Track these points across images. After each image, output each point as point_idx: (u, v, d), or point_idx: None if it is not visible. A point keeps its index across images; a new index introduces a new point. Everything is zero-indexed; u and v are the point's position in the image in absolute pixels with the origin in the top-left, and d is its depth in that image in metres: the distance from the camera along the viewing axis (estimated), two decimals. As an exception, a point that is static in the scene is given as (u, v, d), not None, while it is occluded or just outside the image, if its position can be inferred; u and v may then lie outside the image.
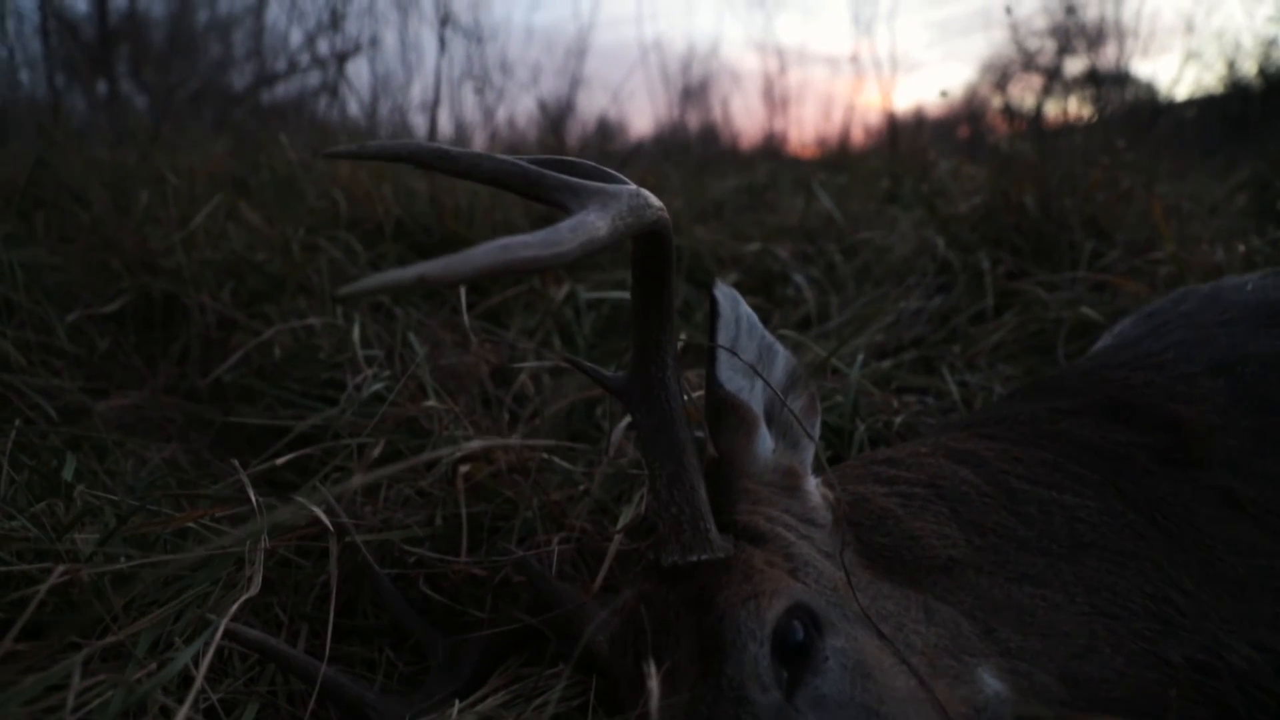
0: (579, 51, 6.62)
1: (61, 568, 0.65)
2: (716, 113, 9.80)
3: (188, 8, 8.77)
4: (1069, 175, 1.70)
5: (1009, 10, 4.33)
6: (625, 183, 0.65)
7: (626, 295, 1.61)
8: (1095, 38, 11.59)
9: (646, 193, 0.61)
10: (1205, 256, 1.40)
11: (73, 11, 9.19)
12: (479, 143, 7.56)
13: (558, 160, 0.68)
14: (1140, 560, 0.63)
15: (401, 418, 1.04)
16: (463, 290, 1.35)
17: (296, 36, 6.75)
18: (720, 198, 3.02)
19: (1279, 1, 8.81)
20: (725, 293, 0.73)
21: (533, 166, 0.58)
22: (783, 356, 0.74)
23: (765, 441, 0.69)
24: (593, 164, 0.68)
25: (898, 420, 0.99)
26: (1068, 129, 1.80)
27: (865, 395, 1.03)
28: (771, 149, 8.32)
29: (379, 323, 1.52)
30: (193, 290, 1.47)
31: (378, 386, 1.06)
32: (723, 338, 0.71)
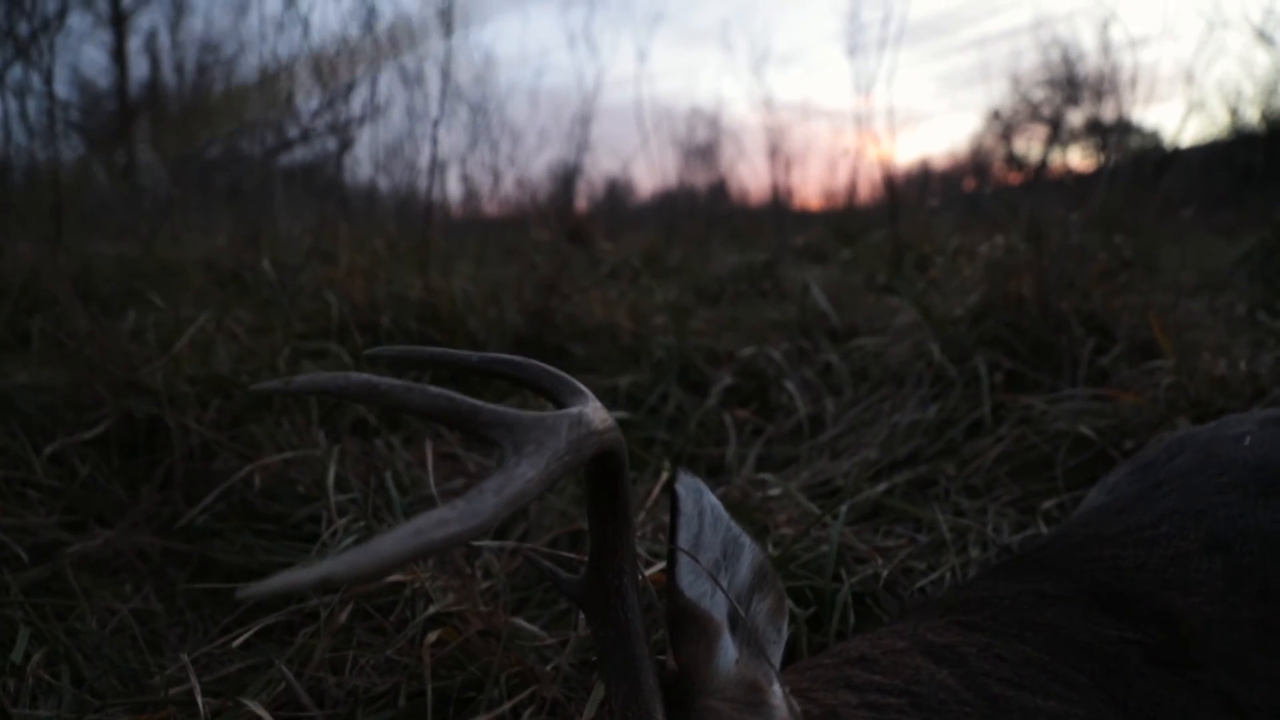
0: (584, 119, 6.74)
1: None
2: (724, 171, 9.89)
3: (205, 78, 9.00)
4: (1066, 273, 1.67)
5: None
6: (577, 393, 0.63)
7: (622, 414, 1.58)
8: (1096, 89, 11.67)
9: (592, 414, 0.58)
10: (1208, 367, 1.36)
11: (94, 86, 9.45)
12: (488, 205, 7.65)
13: (505, 361, 0.66)
14: (1132, 784, 0.59)
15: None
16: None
17: (310, 104, 6.90)
18: (721, 275, 3.01)
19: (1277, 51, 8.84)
20: (687, 485, 0.70)
21: (466, 402, 0.55)
22: (749, 552, 0.70)
23: (728, 652, 0.65)
24: (542, 368, 0.66)
25: (884, 574, 0.95)
26: (1063, 220, 1.77)
27: (850, 549, 0.99)
28: (779, 205, 8.37)
29: (363, 443, 1.50)
30: (176, 412, 1.46)
31: (349, 540, 1.03)
32: (684, 537, 0.67)
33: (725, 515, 0.71)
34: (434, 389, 0.56)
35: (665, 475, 1.21)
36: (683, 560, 0.66)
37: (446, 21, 2.85)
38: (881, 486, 1.26)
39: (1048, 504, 1.16)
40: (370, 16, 3.87)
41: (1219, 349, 1.52)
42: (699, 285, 2.90)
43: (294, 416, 1.56)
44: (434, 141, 2.19)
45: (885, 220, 3.27)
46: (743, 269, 2.93)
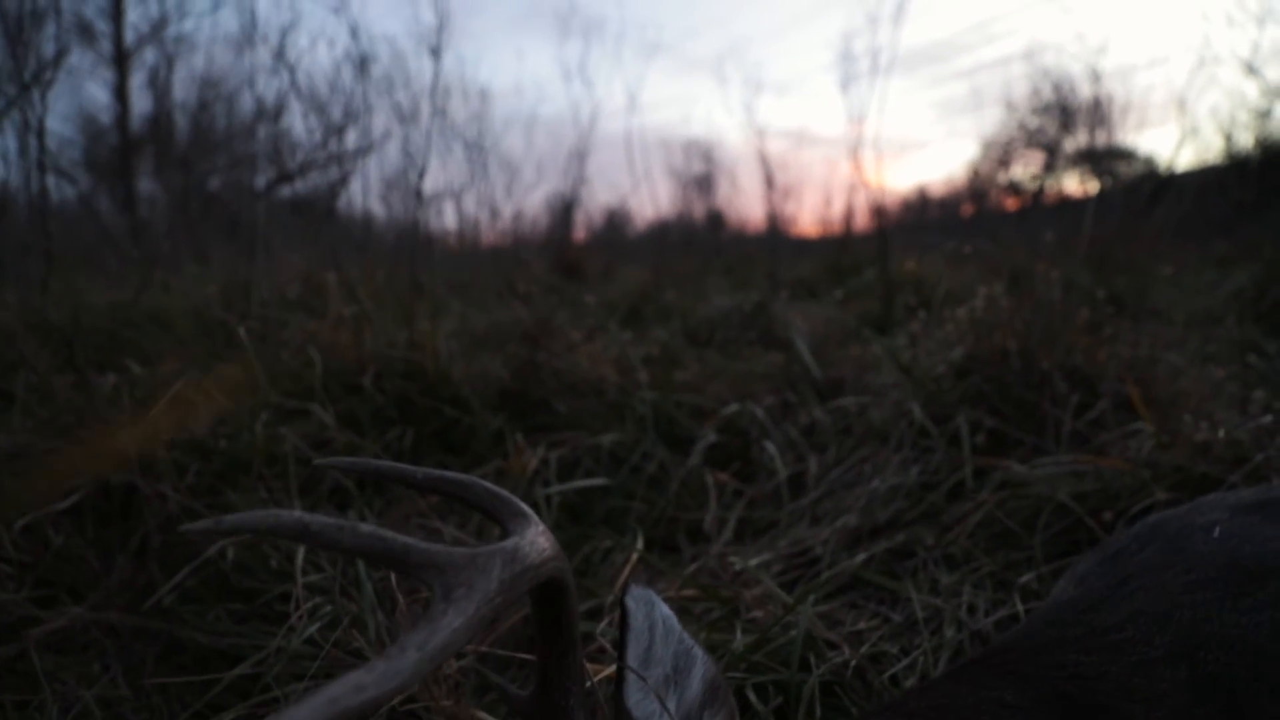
0: (580, 154, 6.80)
1: None
2: (720, 202, 9.94)
3: (208, 111, 9.09)
4: (1049, 327, 1.66)
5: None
6: (519, 516, 0.62)
7: (601, 480, 1.57)
8: (1091, 116, 11.75)
9: (529, 545, 0.57)
10: (1189, 431, 1.35)
11: (97, 120, 9.55)
12: (487, 235, 7.67)
13: (449, 480, 0.65)
14: None
15: (340, 658, 1.00)
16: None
17: (311, 137, 6.96)
18: (713, 317, 3.01)
19: (1269, 77, 8.91)
20: (638, 598, 0.69)
21: (397, 542, 0.54)
22: (701, 664, 0.69)
23: (676, 776, 0.64)
24: (485, 488, 0.65)
25: (852, 663, 0.93)
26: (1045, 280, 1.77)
27: (820, 636, 0.97)
28: (775, 235, 8.41)
29: (339, 513, 1.49)
30: (151, 480, 1.45)
31: (315, 628, 1.02)
32: (633, 653, 0.66)
33: (677, 627, 0.69)
34: (365, 528, 0.55)
35: (639, 549, 1.20)
36: (631, 679, 0.65)
37: (434, 53, 2.85)
38: (860, 557, 1.25)
39: (1025, 577, 1.15)
40: (363, 61, 3.92)
41: (1202, 409, 1.51)
42: (690, 328, 2.90)
43: (272, 483, 1.55)
44: (418, 194, 2.19)
45: (878, 255, 3.27)
46: (734, 311, 2.92)
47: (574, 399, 1.90)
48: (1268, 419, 1.30)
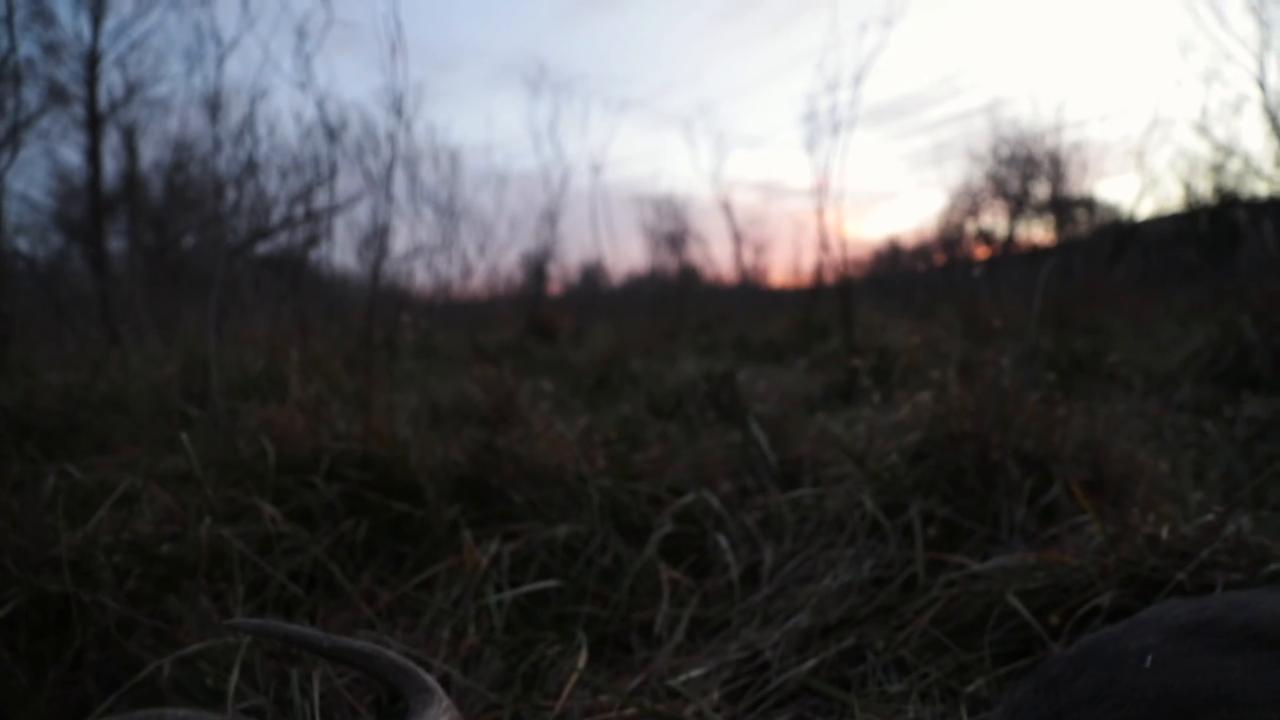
0: (551, 215, 6.88)
1: None
2: (693, 257, 10.05)
3: (182, 171, 9.11)
4: (1001, 412, 1.68)
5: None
6: (422, 692, 0.60)
7: (552, 583, 1.55)
8: (1052, 166, 12.08)
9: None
10: (1137, 525, 1.35)
11: (71, 179, 9.54)
12: (461, 290, 7.67)
13: (356, 651, 0.64)
14: None
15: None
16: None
17: (281, 200, 6.98)
18: (679, 386, 3.01)
19: (1225, 128, 9.20)
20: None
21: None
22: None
23: None
24: (391, 660, 0.63)
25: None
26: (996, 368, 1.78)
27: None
28: (746, 290, 8.50)
29: (287, 617, 1.46)
30: (90, 589, 1.41)
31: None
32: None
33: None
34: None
35: (579, 668, 1.18)
36: None
37: (398, 113, 2.86)
38: (809, 663, 1.23)
39: (974, 685, 1.14)
40: (330, 132, 3.96)
41: (1153, 497, 1.52)
42: (655, 399, 2.90)
43: (218, 584, 1.52)
44: (374, 279, 2.19)
45: (842, 321, 3.30)
46: (700, 381, 2.93)
47: (532, 487, 1.88)
48: (1210, 517, 1.31)
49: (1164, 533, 1.26)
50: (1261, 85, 8.57)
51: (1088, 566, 1.30)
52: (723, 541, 1.56)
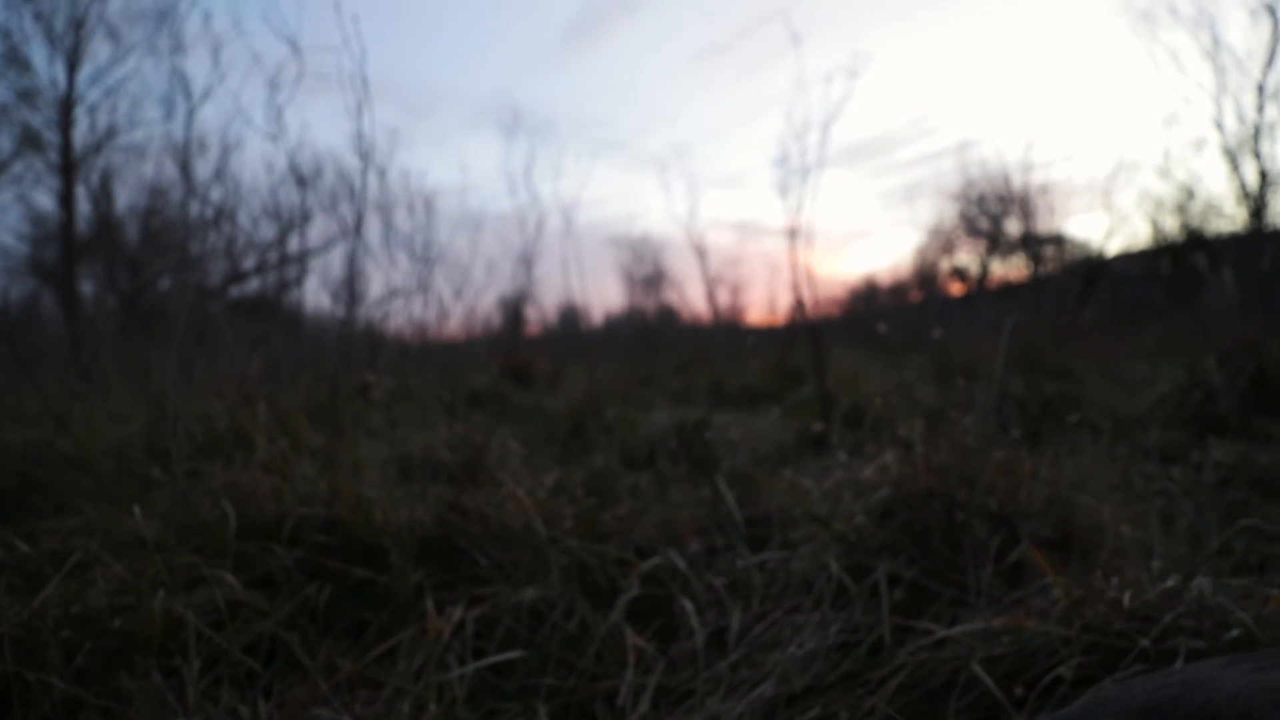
0: (527, 260, 6.92)
1: None
2: (671, 298, 10.11)
3: (158, 216, 9.09)
4: (966, 470, 1.68)
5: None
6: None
7: (516, 654, 1.53)
8: (1022, 205, 12.34)
9: None
10: (1100, 588, 1.36)
11: (46, 222, 9.49)
12: (438, 331, 7.66)
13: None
14: None
15: None
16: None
17: (254, 244, 6.98)
18: (653, 436, 3.01)
19: (1186, 169, 9.44)
20: None
21: None
22: None
23: None
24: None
25: None
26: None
27: None
28: (721, 328, 8.55)
29: (240, 692, 1.42)
30: (36, 668, 1.37)
31: None
32: None
33: None
34: None
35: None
36: None
37: (368, 160, 2.85)
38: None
39: (939, 762, 1.13)
40: (302, 181, 3.97)
41: (1116, 559, 1.52)
42: (628, 450, 2.89)
43: (172, 659, 1.48)
44: (347, 328, 2.18)
45: (815, 369, 3.31)
46: (672, 430, 2.92)
47: (499, 548, 1.86)
48: (1171, 582, 1.31)
49: (1126, 599, 1.26)
50: (1220, 127, 8.83)
51: (1052, 633, 1.30)
52: (689, 606, 1.54)
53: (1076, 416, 2.71)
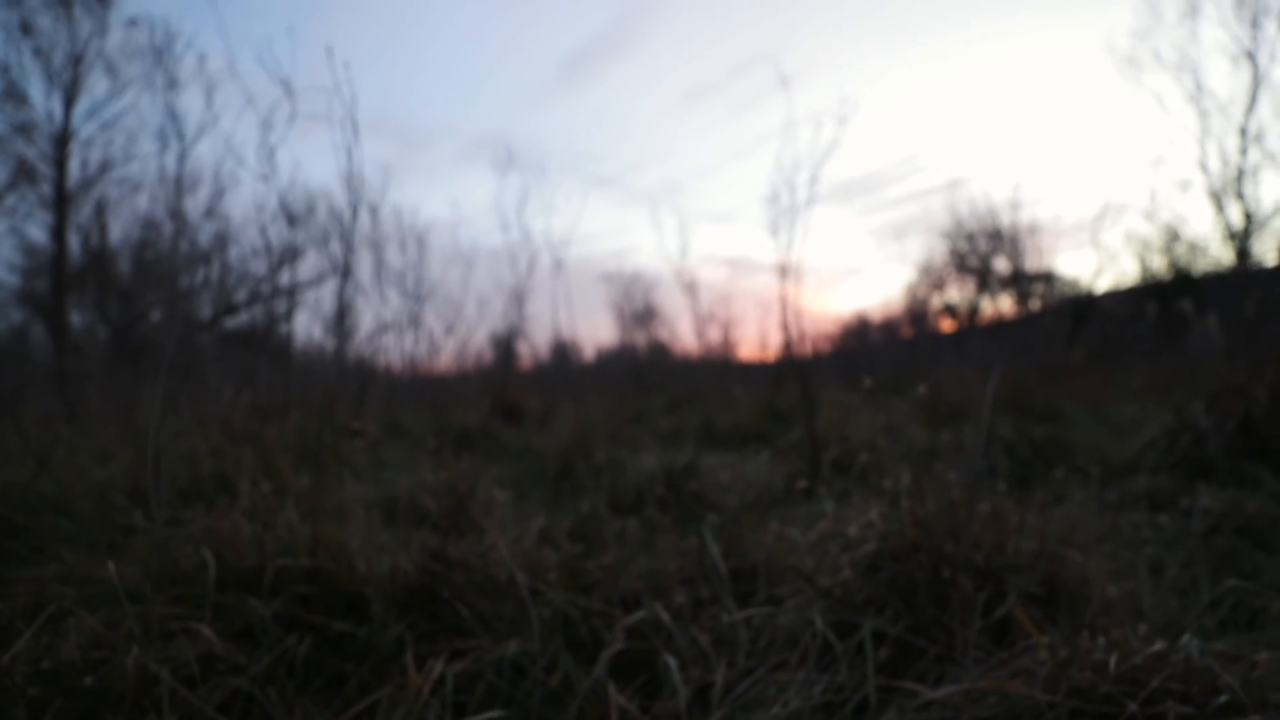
0: (519, 297, 6.96)
1: None
2: (663, 334, 10.14)
3: (151, 248, 9.10)
4: (953, 527, 1.67)
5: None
6: None
7: (496, 713, 1.51)
8: (1011, 242, 12.47)
9: None
10: (1086, 648, 1.34)
11: (38, 253, 9.49)
12: (430, 367, 7.65)
13: None
14: None
15: None
16: None
17: (249, 275, 6.98)
18: (640, 481, 2.99)
19: (1172, 209, 9.56)
20: None
21: None
22: None
23: None
24: None
25: None
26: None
27: None
28: (713, 365, 8.56)
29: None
30: (5, 728, 1.34)
31: None
32: None
33: None
34: None
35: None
36: None
37: (356, 206, 2.86)
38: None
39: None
40: (292, 220, 3.98)
41: (1104, 616, 1.51)
42: (617, 493, 2.87)
43: (146, 716, 1.45)
44: (338, 364, 2.17)
45: (804, 412, 3.31)
46: (661, 474, 2.91)
47: (482, 599, 1.84)
48: (1159, 646, 1.30)
49: (1113, 662, 1.25)
50: (1204, 169, 8.97)
51: (1038, 696, 1.29)
52: (672, 663, 1.52)
53: (1063, 472, 2.71)
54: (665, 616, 1.68)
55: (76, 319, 8.86)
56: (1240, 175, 8.39)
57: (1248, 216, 8.49)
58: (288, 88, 2.83)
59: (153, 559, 1.92)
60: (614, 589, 1.88)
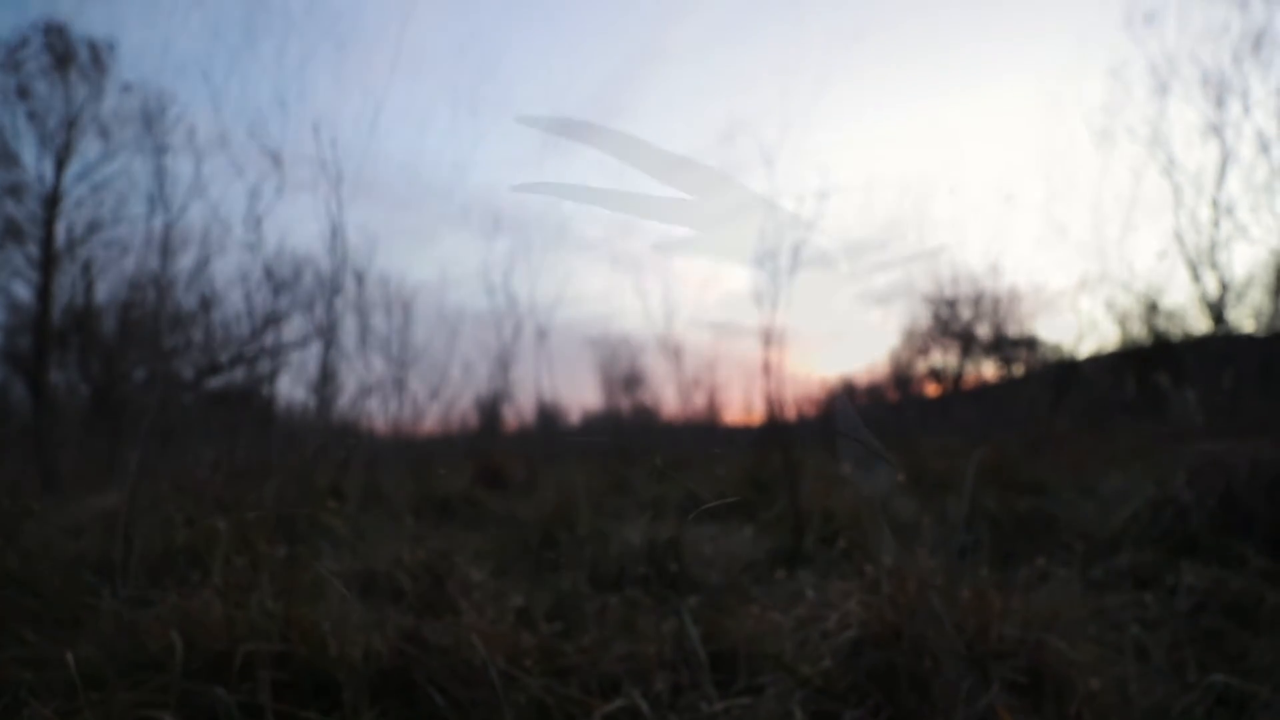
0: (504, 362, 6.99)
1: None
2: (648, 399, 10.15)
3: (134, 307, 9.08)
4: (935, 613, 1.66)
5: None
6: None
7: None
8: (992, 308, 12.63)
9: None
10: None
11: (22, 309, 9.44)
12: (413, 430, 7.59)
13: None
14: None
15: None
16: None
17: (229, 342, 6.97)
18: (623, 556, 2.95)
19: (1149, 280, 9.75)
20: None
21: None
22: None
23: None
24: None
25: None
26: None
27: None
28: (700, 424, 8.56)
29: None
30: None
31: None
32: None
33: None
34: None
35: None
36: None
37: (338, 286, 2.87)
38: None
39: None
40: (277, 288, 4.00)
41: (1089, 705, 1.49)
42: (599, 568, 2.83)
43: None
44: (314, 446, 2.16)
45: (788, 485, 3.30)
46: (644, 550, 2.87)
47: (458, 684, 1.79)
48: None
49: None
50: (1179, 239, 9.18)
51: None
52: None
53: (1047, 549, 2.70)
54: (644, 705, 1.65)
55: (58, 378, 8.78)
56: (1213, 245, 8.59)
57: (1223, 285, 8.67)
58: (276, 159, 2.87)
59: (118, 641, 1.87)
60: (593, 673, 1.84)
